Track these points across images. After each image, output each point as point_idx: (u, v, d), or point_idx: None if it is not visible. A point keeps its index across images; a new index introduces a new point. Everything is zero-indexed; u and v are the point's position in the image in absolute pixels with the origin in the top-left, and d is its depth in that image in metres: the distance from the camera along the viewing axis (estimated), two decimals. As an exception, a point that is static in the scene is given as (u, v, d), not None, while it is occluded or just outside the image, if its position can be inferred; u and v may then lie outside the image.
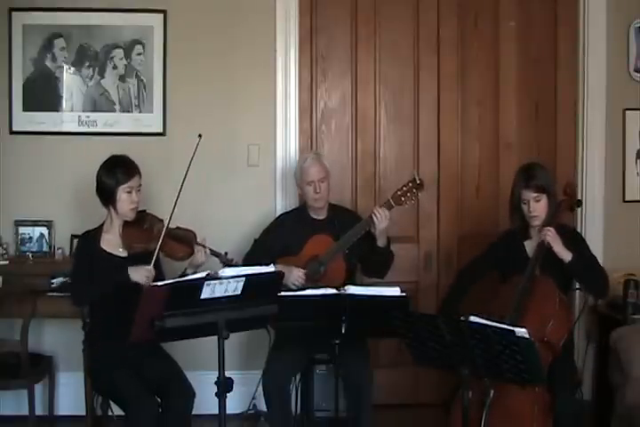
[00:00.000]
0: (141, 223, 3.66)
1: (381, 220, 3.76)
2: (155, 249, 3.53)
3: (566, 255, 3.53)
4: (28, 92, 4.50)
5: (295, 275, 3.80)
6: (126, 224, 3.64)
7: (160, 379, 3.51)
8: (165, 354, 3.67)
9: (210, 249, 3.64)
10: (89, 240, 3.66)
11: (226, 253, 3.67)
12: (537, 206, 3.62)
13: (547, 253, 3.56)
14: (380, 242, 3.85)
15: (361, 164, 4.72)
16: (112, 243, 3.63)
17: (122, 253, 3.63)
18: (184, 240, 3.64)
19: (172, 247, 3.62)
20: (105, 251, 3.62)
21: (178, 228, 3.69)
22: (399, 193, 3.82)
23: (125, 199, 3.58)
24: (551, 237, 3.53)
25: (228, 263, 3.67)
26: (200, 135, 3.55)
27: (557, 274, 3.55)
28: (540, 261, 3.56)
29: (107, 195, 3.60)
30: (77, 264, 3.68)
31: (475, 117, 4.74)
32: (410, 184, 3.82)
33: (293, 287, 3.75)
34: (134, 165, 3.66)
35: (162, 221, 3.62)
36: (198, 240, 3.65)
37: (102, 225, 3.69)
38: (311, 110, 4.68)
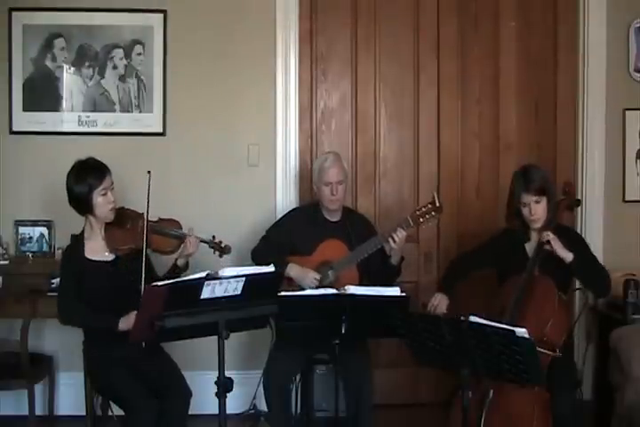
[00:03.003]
0: (123, 223, 3.61)
1: (398, 243, 3.75)
2: (142, 247, 3.49)
3: (567, 255, 3.53)
4: (28, 92, 4.50)
5: (310, 277, 3.80)
6: (108, 226, 3.58)
7: (157, 379, 3.51)
8: (165, 354, 3.66)
9: (197, 237, 3.62)
10: (73, 253, 3.60)
11: (213, 237, 3.68)
12: (537, 208, 3.61)
13: (546, 254, 3.56)
14: (394, 260, 3.85)
15: (361, 164, 4.72)
16: (97, 250, 3.58)
17: (108, 256, 3.58)
18: (169, 233, 3.62)
19: (158, 243, 3.59)
20: (91, 260, 3.57)
21: (160, 220, 3.66)
22: (418, 213, 3.78)
23: (102, 202, 3.52)
24: (551, 237, 3.54)
25: (218, 247, 3.69)
26: (149, 172, 3.47)
27: (556, 274, 3.54)
28: (540, 261, 3.56)
29: (82, 203, 3.53)
30: (63, 280, 3.61)
31: (475, 117, 4.74)
32: (429, 206, 3.77)
33: (307, 288, 3.74)
34: (102, 165, 3.58)
35: (142, 215, 3.56)
36: (184, 230, 3.63)
37: (82, 233, 3.63)
38: (311, 110, 4.68)
